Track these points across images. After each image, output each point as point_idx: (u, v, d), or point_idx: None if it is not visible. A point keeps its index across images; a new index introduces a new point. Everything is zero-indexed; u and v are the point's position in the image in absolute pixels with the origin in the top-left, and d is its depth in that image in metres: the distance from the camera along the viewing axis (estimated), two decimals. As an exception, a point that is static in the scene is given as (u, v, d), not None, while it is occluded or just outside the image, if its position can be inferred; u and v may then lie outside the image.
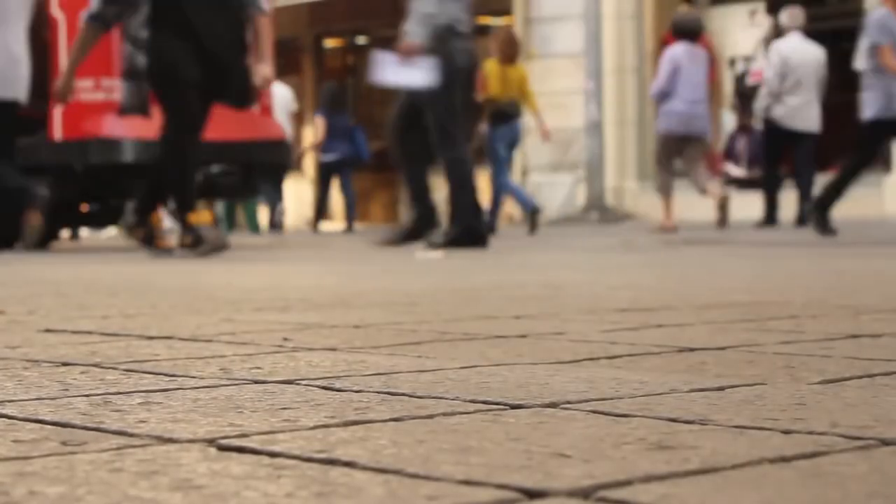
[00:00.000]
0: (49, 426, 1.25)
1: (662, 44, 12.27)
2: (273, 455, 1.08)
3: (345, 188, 17.06)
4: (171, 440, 1.17)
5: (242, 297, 3.33)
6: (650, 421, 1.24)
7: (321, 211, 17.10)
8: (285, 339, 2.11)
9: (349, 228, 16.42)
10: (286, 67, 18.85)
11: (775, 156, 12.63)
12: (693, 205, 14.69)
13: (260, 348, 1.98)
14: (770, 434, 1.17)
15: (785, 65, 12.38)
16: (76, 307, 2.98)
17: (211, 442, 1.15)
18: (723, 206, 11.43)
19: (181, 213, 7.08)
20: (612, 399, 1.40)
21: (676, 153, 11.58)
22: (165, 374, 1.66)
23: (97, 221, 11.92)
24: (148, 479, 0.99)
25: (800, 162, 12.53)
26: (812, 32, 13.18)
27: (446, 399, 1.41)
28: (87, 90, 9.32)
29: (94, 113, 9.41)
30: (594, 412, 1.31)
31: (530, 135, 20.03)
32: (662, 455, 1.06)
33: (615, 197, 18.11)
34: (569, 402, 1.37)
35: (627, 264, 5.41)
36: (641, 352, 1.89)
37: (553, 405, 1.36)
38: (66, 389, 1.52)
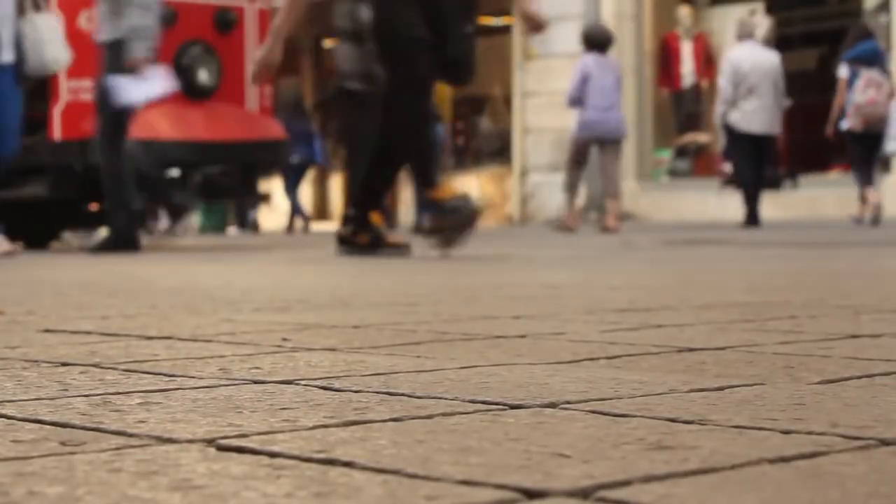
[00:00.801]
0: (48, 426, 1.25)
1: (663, 44, 12.32)
2: (272, 455, 1.08)
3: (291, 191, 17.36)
4: (170, 440, 1.17)
5: (241, 297, 3.33)
6: (649, 421, 1.24)
7: (294, 213, 17.33)
8: (284, 340, 2.11)
9: (290, 230, 16.59)
10: (286, 68, 18.84)
11: (746, 158, 13.09)
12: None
13: (259, 348, 1.98)
14: (769, 434, 1.17)
15: (736, 73, 12.96)
16: (75, 307, 2.98)
17: (210, 442, 1.15)
18: (616, 217, 12.67)
19: (427, 186, 5.95)
20: (611, 399, 1.40)
21: (585, 156, 12.69)
22: (165, 375, 1.66)
23: (98, 222, 11.87)
24: (147, 480, 0.99)
25: (759, 164, 13.05)
26: (812, 32, 13.20)
27: (445, 399, 1.41)
28: (86, 90, 9.27)
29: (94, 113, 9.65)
30: (593, 412, 1.31)
31: (530, 135, 20.08)
32: (662, 455, 1.06)
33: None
34: (568, 403, 1.37)
35: (627, 264, 5.41)
36: (641, 352, 1.89)
37: (552, 405, 1.36)
38: (66, 389, 1.52)
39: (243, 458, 1.08)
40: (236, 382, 1.58)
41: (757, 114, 12.95)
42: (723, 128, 13.40)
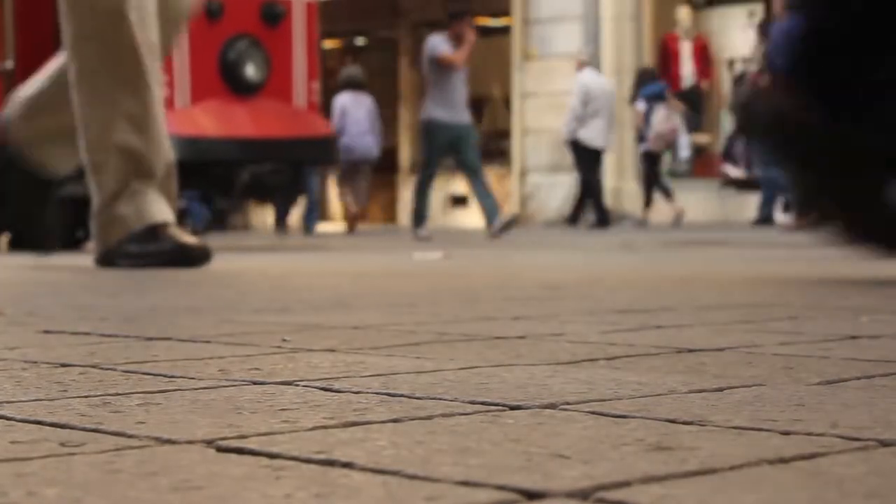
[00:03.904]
0: (47, 427, 1.25)
1: (662, 45, 12.36)
2: (272, 456, 1.08)
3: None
4: (169, 441, 1.17)
5: (241, 298, 3.34)
6: (649, 422, 1.24)
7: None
8: (284, 340, 2.11)
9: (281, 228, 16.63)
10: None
11: (590, 169, 15.88)
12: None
13: (259, 349, 1.98)
14: (769, 435, 1.17)
15: (587, 94, 15.56)
16: (75, 308, 2.98)
17: (210, 443, 1.15)
18: (353, 219, 16.55)
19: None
20: (610, 400, 1.40)
21: (352, 174, 16.14)
22: (164, 375, 1.66)
23: None
24: (146, 480, 0.99)
25: (596, 175, 16.01)
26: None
27: (445, 400, 1.41)
28: None
29: None
30: (593, 413, 1.31)
31: (529, 135, 20.07)
32: (661, 456, 1.06)
33: (614, 198, 18.09)
34: (567, 403, 1.37)
35: (626, 265, 5.41)
36: (640, 353, 1.89)
37: (552, 406, 1.36)
38: (65, 390, 1.52)
39: (243, 458, 1.08)
40: (236, 383, 1.58)
41: (602, 132, 15.63)
42: (569, 143, 15.97)
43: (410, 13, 22.88)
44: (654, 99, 16.41)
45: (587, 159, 15.96)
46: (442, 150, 12.00)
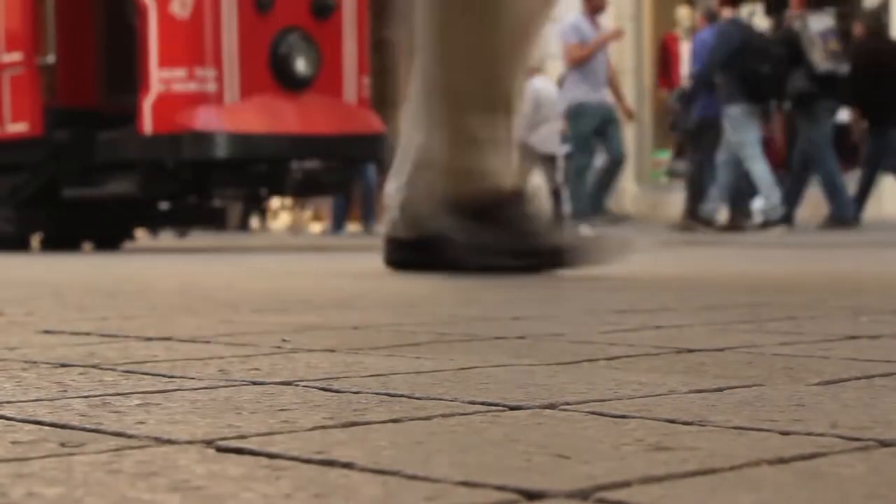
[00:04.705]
0: (47, 427, 1.25)
1: (662, 45, 12.37)
2: (271, 456, 1.08)
3: None
4: (169, 441, 1.17)
5: (241, 298, 3.34)
6: (649, 422, 1.24)
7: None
8: (284, 341, 2.11)
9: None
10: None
11: (541, 174, 16.22)
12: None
13: (258, 349, 1.98)
14: (768, 435, 1.17)
15: (537, 100, 15.55)
16: (75, 308, 2.98)
17: (209, 443, 1.15)
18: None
19: None
20: (610, 400, 1.40)
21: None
22: (164, 376, 1.66)
23: (178, 221, 11.30)
24: (146, 480, 0.99)
25: (553, 179, 15.83)
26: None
27: (445, 400, 1.41)
28: (179, 80, 8.73)
29: (187, 105, 8.75)
30: (593, 413, 1.31)
31: (529, 136, 20.03)
32: (661, 456, 1.06)
33: (614, 198, 18.09)
34: (567, 403, 1.37)
35: (626, 264, 5.41)
36: (640, 353, 1.89)
37: (552, 406, 1.36)
38: (65, 391, 1.52)
39: (242, 459, 1.08)
40: (235, 383, 1.58)
41: (551, 137, 15.59)
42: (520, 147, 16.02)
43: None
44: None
45: (538, 164, 16.36)
46: (592, 133, 10.99)
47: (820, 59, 11.04)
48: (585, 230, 10.18)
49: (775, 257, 6.16)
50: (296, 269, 5.61)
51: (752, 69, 10.97)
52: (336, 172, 9.42)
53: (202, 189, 9.35)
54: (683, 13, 17.97)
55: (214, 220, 10.86)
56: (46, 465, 1.06)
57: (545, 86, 16.30)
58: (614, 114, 11.16)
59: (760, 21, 16.56)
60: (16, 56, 9.38)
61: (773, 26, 13.56)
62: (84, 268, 5.88)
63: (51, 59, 9.46)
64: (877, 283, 3.77)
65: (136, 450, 1.12)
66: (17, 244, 9.64)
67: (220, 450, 1.12)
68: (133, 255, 8.38)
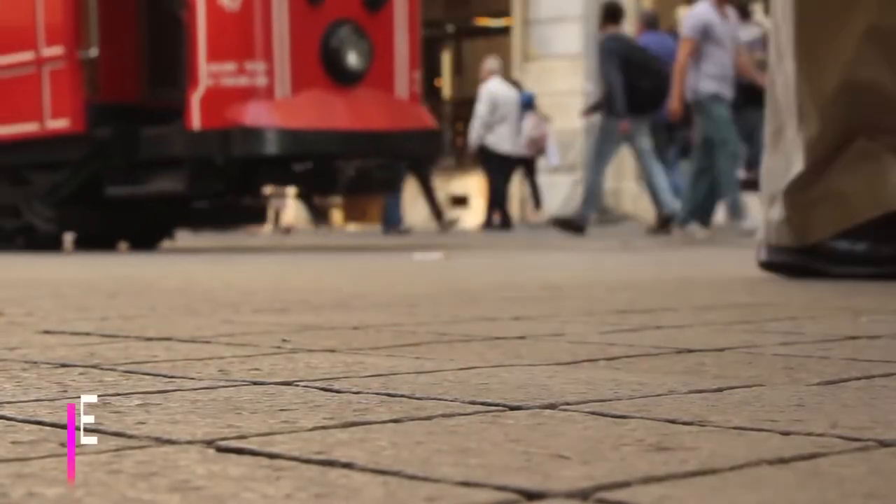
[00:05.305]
0: (48, 427, 1.25)
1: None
2: (272, 456, 1.08)
3: None
4: (169, 441, 1.17)
5: (241, 298, 3.34)
6: (648, 422, 1.24)
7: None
8: (284, 341, 2.11)
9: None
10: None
11: (498, 174, 16.69)
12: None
13: (259, 349, 1.98)
14: (769, 435, 1.17)
15: (493, 102, 16.37)
16: (75, 308, 2.98)
17: (209, 443, 1.15)
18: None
19: None
20: (610, 400, 1.40)
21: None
22: (164, 376, 1.66)
23: (219, 220, 10.95)
24: (146, 481, 0.99)
25: (509, 179, 16.91)
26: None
27: (445, 400, 1.41)
28: (228, 74, 8.43)
29: (237, 99, 8.45)
30: (593, 413, 1.31)
31: (529, 136, 20.01)
32: (661, 456, 1.06)
33: (614, 198, 18.10)
34: (567, 404, 1.37)
35: (626, 265, 5.41)
36: (640, 353, 1.89)
37: (552, 406, 1.36)
38: (65, 391, 1.52)
39: (242, 459, 1.08)
40: (236, 384, 1.58)
41: (509, 137, 16.39)
42: (477, 149, 16.64)
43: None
44: (525, 107, 17.50)
45: (496, 164, 16.72)
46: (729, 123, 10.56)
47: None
48: (695, 230, 9.92)
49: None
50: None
51: (633, 84, 11.28)
52: (389, 170, 9.06)
53: (248, 187, 9.09)
54: (683, 14, 17.98)
55: (256, 219, 10.60)
56: (47, 465, 1.06)
57: (501, 87, 16.80)
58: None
59: (761, 20, 16.57)
60: (56, 50, 9.01)
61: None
62: (83, 267, 5.88)
63: (93, 52, 9.21)
64: (875, 284, 3.77)
65: (136, 450, 1.12)
66: (56, 244, 9.35)
67: (221, 450, 1.12)
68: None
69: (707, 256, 6.40)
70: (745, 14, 12.13)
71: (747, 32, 11.67)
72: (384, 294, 3.49)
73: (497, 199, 16.95)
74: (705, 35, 10.61)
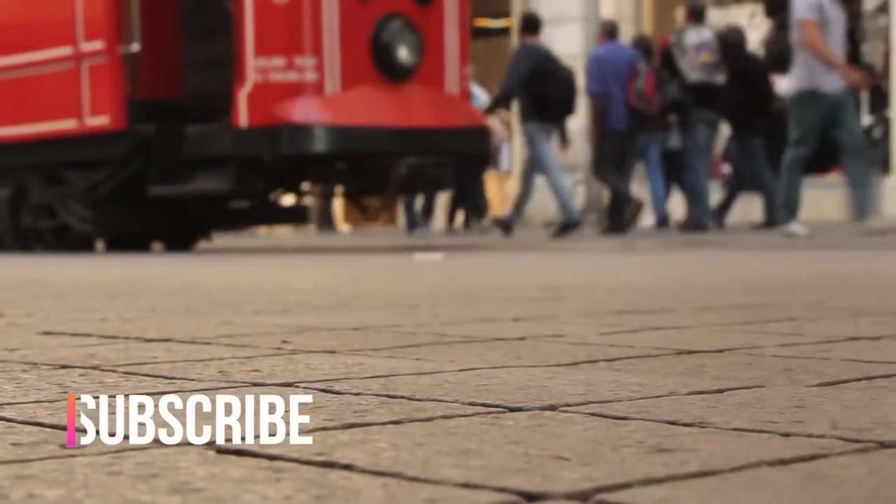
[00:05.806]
0: (48, 429, 1.25)
1: (661, 47, 12.36)
2: (272, 458, 1.08)
3: None
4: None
5: (241, 299, 3.33)
6: (649, 423, 1.24)
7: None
8: (284, 342, 2.11)
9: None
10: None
11: (465, 174, 15.87)
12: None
13: (259, 351, 1.98)
14: (769, 437, 1.17)
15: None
16: (75, 310, 2.98)
17: (210, 444, 1.15)
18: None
19: None
20: (610, 402, 1.40)
21: None
22: (164, 377, 1.66)
23: (260, 220, 10.32)
24: (146, 483, 0.99)
25: (472, 180, 15.69)
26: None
27: (445, 402, 1.41)
28: (276, 69, 8.11)
29: (285, 95, 8.13)
30: (593, 415, 1.31)
31: (529, 137, 20.00)
32: (661, 458, 1.06)
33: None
34: (567, 405, 1.37)
35: (626, 266, 5.41)
36: (640, 354, 1.89)
37: (552, 408, 1.36)
38: (65, 392, 1.52)
39: (243, 460, 1.08)
40: (236, 385, 1.58)
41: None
42: None
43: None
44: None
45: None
46: (821, 122, 10.28)
47: (689, 70, 11.30)
48: (794, 229, 9.65)
49: (774, 258, 6.16)
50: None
51: (544, 93, 11.59)
52: (443, 168, 8.69)
53: (295, 185, 8.85)
54: (682, 15, 17.98)
55: (297, 219, 10.34)
56: (47, 466, 1.06)
57: (474, 91, 17.25)
58: (848, 97, 10.26)
59: (761, 22, 16.58)
60: (97, 45, 8.70)
61: (775, 27, 13.55)
62: (84, 268, 5.88)
63: (135, 47, 8.92)
64: (875, 285, 3.77)
65: (136, 451, 1.12)
66: (89, 244, 9.08)
67: (221, 451, 1.12)
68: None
69: (707, 257, 6.40)
70: (698, 17, 12.14)
71: (696, 36, 11.70)
72: (384, 295, 3.49)
73: (461, 199, 16.79)
74: (820, 14, 9.92)
